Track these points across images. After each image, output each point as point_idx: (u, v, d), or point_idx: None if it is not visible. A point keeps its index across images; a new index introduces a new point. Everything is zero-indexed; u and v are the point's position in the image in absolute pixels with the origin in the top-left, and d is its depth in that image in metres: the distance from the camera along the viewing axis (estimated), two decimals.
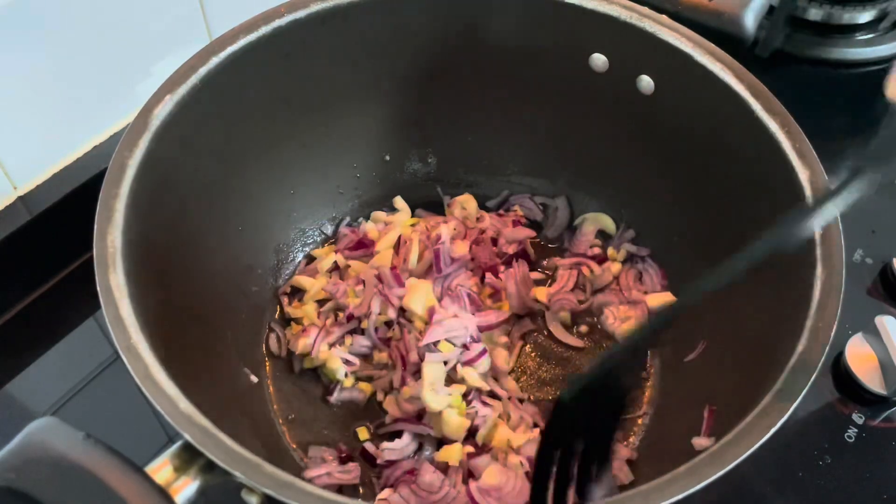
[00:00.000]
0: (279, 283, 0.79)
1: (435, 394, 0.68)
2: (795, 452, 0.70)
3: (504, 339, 0.76)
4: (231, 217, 0.73)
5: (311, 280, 0.78)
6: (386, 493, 0.65)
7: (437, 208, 0.86)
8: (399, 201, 0.85)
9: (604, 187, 0.83)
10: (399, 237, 0.80)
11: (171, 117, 0.61)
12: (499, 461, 0.67)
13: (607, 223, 0.83)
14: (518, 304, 0.78)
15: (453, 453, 0.67)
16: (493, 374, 0.73)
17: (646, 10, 0.69)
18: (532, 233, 0.84)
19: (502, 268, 0.80)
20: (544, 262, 0.83)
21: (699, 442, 0.60)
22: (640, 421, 0.72)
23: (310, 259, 0.82)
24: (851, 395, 0.73)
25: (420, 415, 0.70)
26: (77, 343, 0.77)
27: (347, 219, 0.84)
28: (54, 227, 0.79)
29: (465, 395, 0.70)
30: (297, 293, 0.79)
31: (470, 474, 0.67)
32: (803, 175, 0.60)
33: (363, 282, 0.76)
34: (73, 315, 0.78)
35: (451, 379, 0.72)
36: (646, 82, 0.72)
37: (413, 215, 0.85)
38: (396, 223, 0.83)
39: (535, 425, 0.70)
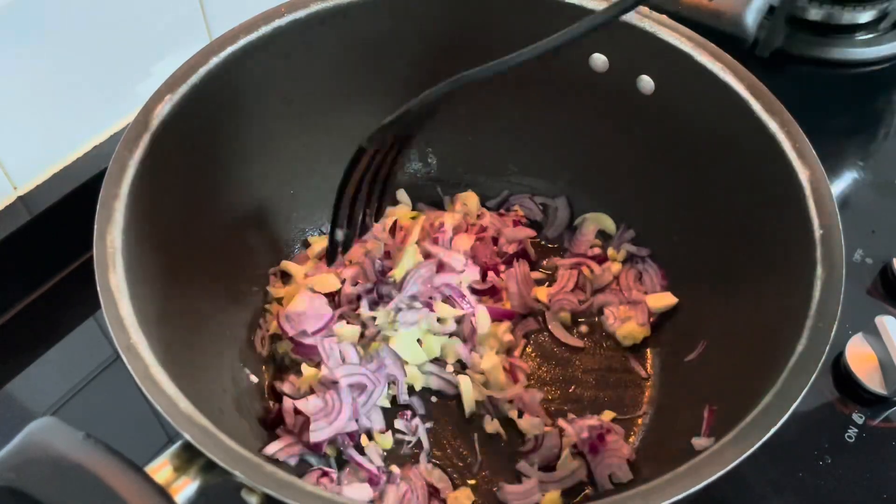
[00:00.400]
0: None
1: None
2: (795, 452, 0.70)
3: (509, 336, 0.75)
4: (231, 217, 0.73)
5: (297, 266, 0.78)
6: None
7: (438, 208, 0.86)
8: (401, 194, 0.85)
9: (604, 187, 0.83)
10: (395, 222, 0.80)
11: (171, 117, 0.61)
12: None
13: (607, 223, 0.83)
14: (519, 303, 0.78)
15: None
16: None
17: (646, 10, 0.69)
18: (532, 232, 0.84)
19: (503, 267, 0.80)
20: (544, 262, 0.83)
21: (699, 442, 0.60)
22: (640, 421, 0.72)
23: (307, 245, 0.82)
24: (851, 395, 0.73)
25: None
26: (77, 343, 0.77)
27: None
28: (54, 227, 0.79)
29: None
30: (287, 278, 0.79)
31: None
32: (803, 175, 0.60)
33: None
34: (73, 315, 0.78)
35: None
36: (646, 82, 0.72)
37: (414, 209, 0.85)
38: (397, 213, 0.83)
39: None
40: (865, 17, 1.04)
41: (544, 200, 0.86)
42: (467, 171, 0.87)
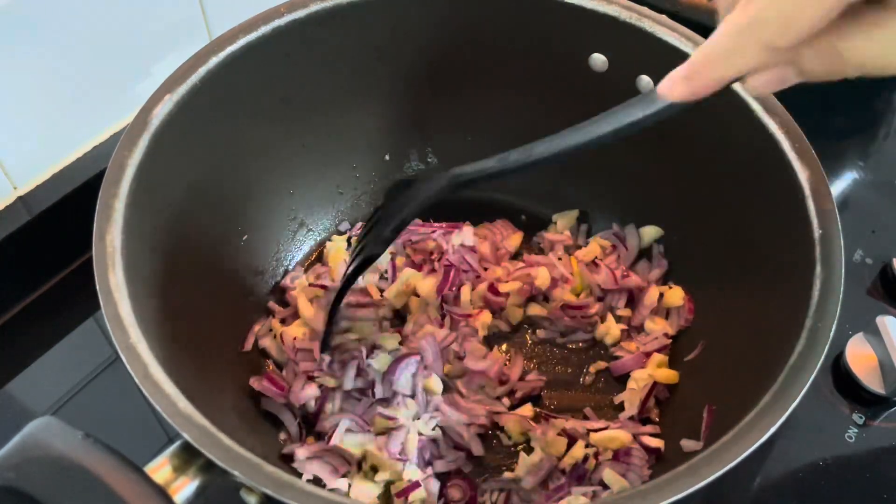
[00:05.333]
0: (278, 280, 0.79)
1: None
2: (795, 452, 0.70)
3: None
4: (230, 217, 0.73)
5: (305, 304, 0.75)
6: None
7: (438, 209, 0.85)
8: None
9: (603, 187, 0.83)
10: None
11: (171, 117, 0.61)
12: None
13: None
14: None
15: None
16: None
17: (646, 10, 0.69)
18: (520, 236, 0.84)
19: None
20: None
21: (688, 444, 0.60)
22: None
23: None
24: (851, 395, 0.73)
25: None
26: (77, 343, 0.77)
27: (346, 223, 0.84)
28: (54, 227, 0.79)
29: None
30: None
31: None
32: (803, 175, 0.60)
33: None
34: (73, 315, 0.78)
35: None
36: (646, 82, 0.72)
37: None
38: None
39: None
40: None
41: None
42: None
